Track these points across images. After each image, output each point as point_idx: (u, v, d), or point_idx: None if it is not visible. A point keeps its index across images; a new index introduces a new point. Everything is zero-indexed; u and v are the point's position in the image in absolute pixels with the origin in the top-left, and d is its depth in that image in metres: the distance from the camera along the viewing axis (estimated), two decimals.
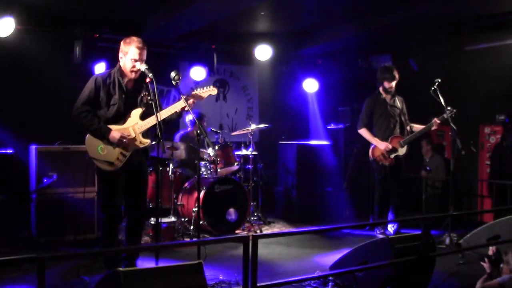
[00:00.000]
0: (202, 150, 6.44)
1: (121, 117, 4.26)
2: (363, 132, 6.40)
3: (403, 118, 6.36)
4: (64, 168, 5.66)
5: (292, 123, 9.21)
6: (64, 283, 4.30)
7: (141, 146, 4.30)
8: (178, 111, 4.32)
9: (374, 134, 6.37)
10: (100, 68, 6.65)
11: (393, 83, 6.30)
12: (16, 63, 6.66)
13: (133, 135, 4.25)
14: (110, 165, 4.19)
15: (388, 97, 6.39)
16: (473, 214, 7.58)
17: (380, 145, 6.27)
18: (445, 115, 5.78)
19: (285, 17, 7.26)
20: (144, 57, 4.23)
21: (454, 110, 5.75)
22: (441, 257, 4.43)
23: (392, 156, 6.28)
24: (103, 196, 4.42)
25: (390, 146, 6.25)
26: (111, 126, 4.20)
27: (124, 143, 4.18)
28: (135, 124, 4.27)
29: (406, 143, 6.23)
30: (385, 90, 6.35)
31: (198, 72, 7.71)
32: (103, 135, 4.17)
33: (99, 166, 4.22)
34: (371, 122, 6.42)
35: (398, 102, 6.37)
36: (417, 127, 6.25)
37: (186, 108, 4.26)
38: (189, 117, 7.02)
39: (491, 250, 3.79)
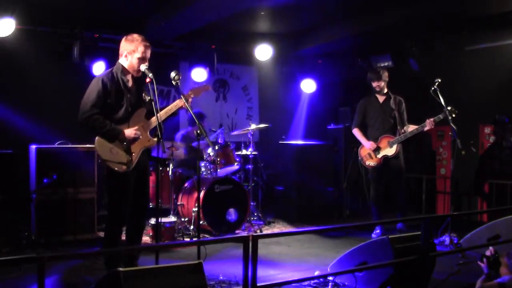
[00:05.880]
0: (202, 143, 6.40)
1: (128, 117, 4.24)
2: (355, 132, 6.46)
3: (397, 119, 6.29)
4: (64, 168, 5.66)
5: (292, 123, 9.21)
6: (64, 283, 4.29)
7: (150, 144, 4.31)
8: (175, 112, 4.36)
9: (368, 134, 6.38)
10: (99, 67, 6.65)
11: (381, 83, 6.29)
12: (15, 63, 6.65)
13: (142, 133, 4.26)
14: (125, 165, 4.14)
15: (381, 98, 6.38)
16: (473, 214, 7.58)
17: (366, 144, 6.31)
18: (441, 115, 5.72)
19: (285, 17, 7.25)
20: (149, 55, 4.24)
21: (455, 110, 5.65)
22: (441, 257, 4.43)
23: (380, 156, 6.25)
24: (115, 198, 4.24)
25: (374, 146, 6.24)
26: (120, 127, 4.17)
27: (139, 139, 4.19)
28: (142, 123, 4.28)
29: (394, 144, 6.17)
30: (375, 90, 6.37)
31: (198, 73, 7.70)
32: (116, 137, 4.12)
33: (113, 168, 4.12)
34: (365, 123, 6.44)
35: (393, 103, 6.31)
36: (412, 127, 6.16)
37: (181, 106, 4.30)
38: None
39: (489, 251, 3.77)
